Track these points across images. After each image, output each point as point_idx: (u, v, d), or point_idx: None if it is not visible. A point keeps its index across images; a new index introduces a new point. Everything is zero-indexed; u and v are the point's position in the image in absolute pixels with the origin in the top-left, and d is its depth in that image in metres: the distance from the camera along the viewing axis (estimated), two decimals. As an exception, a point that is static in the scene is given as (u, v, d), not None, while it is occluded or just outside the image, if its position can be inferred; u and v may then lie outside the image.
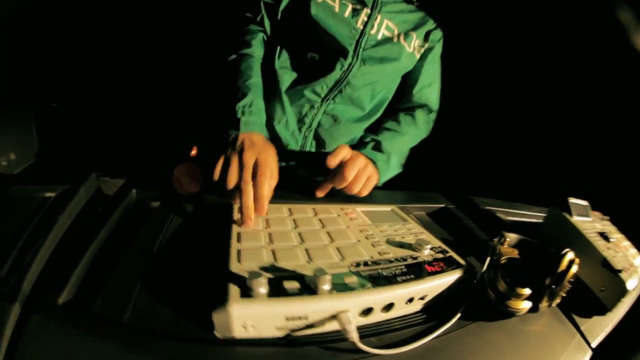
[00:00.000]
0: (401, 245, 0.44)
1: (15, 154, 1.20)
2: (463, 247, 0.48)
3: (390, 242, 0.44)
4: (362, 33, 0.68)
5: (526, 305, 0.42)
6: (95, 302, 0.34)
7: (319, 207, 0.54)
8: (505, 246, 0.46)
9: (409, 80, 0.79)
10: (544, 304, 0.43)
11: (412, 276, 0.37)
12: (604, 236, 0.57)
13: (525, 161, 0.99)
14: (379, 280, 0.35)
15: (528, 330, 0.41)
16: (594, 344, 0.44)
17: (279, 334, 0.32)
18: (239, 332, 0.31)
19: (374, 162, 0.65)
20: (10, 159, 1.14)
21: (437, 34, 0.78)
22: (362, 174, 0.60)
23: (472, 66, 1.02)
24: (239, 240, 0.41)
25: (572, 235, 0.54)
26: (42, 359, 0.28)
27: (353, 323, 0.32)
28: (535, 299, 0.42)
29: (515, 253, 0.45)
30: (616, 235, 0.60)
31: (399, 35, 0.71)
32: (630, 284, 0.48)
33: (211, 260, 0.39)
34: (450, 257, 0.43)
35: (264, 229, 0.45)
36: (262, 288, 0.31)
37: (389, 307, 0.35)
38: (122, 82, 1.32)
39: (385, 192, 0.69)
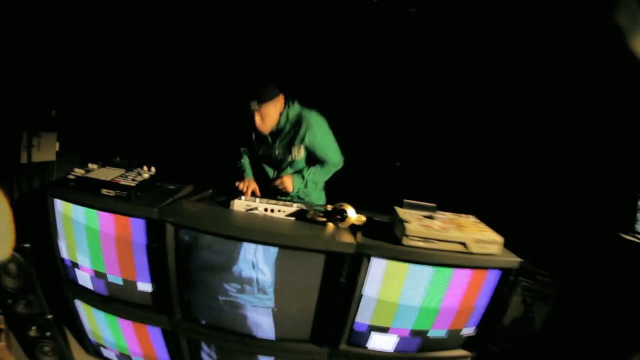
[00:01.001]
0: (303, 207, 1.13)
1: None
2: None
3: (304, 205, 1.14)
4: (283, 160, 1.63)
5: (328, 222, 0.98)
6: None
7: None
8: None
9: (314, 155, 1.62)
10: (340, 224, 0.98)
11: (286, 204, 1.08)
12: (429, 217, 1.03)
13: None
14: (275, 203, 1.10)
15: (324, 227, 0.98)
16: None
17: (243, 209, 1.12)
18: (237, 207, 1.14)
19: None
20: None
21: (306, 131, 1.52)
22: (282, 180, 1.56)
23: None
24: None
25: (394, 213, 1.07)
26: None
27: (259, 207, 1.09)
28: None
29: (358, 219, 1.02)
30: (446, 221, 1.05)
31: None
32: (409, 227, 0.95)
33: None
34: (321, 210, 1.07)
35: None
36: (243, 198, 1.15)
37: (272, 210, 1.07)
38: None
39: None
